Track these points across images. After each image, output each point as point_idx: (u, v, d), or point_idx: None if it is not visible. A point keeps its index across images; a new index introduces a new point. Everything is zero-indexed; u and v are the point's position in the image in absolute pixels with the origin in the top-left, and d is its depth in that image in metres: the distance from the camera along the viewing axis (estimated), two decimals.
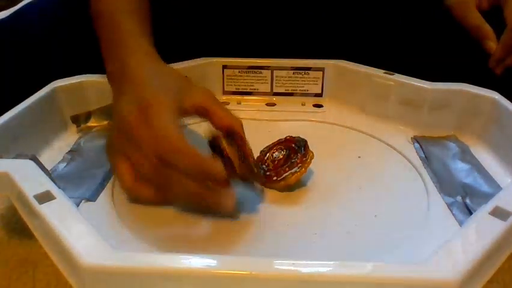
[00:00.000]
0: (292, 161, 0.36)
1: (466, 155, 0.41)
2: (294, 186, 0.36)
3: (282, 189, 0.36)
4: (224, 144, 0.33)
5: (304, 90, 0.52)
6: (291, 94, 0.52)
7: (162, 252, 0.29)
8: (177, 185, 0.31)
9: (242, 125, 0.35)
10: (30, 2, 0.53)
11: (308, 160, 0.36)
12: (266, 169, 0.37)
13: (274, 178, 0.36)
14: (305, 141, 0.37)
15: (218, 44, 0.55)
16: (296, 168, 0.35)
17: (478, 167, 0.39)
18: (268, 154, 0.38)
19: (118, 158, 0.33)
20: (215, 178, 0.30)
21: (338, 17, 0.56)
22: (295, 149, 0.37)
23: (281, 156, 0.37)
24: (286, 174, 0.35)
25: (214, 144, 0.34)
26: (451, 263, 0.22)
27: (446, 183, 0.37)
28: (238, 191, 0.33)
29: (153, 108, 0.32)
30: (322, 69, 0.51)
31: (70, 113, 0.45)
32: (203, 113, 0.35)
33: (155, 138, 0.31)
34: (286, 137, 0.39)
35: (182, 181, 0.30)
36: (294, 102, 0.52)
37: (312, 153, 0.37)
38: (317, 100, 0.52)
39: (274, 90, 0.52)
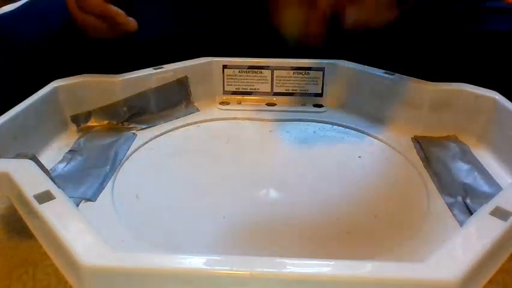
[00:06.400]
0: None
1: (466, 155, 0.41)
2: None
3: None
4: None
5: (305, 90, 0.52)
6: (291, 94, 0.52)
7: (162, 252, 0.29)
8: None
9: None
10: (30, 1, 0.53)
11: None
12: None
13: None
14: None
15: (218, 44, 0.55)
16: None
17: (478, 167, 0.39)
18: None
19: None
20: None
21: (337, 17, 0.56)
22: None
23: None
24: None
25: None
26: (451, 263, 0.22)
27: (446, 183, 0.37)
28: (237, 190, 0.33)
29: None
30: (322, 69, 0.51)
31: (70, 113, 0.45)
32: None
33: None
34: None
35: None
36: (294, 102, 0.52)
37: None
38: (317, 100, 0.52)
39: (274, 90, 0.52)
